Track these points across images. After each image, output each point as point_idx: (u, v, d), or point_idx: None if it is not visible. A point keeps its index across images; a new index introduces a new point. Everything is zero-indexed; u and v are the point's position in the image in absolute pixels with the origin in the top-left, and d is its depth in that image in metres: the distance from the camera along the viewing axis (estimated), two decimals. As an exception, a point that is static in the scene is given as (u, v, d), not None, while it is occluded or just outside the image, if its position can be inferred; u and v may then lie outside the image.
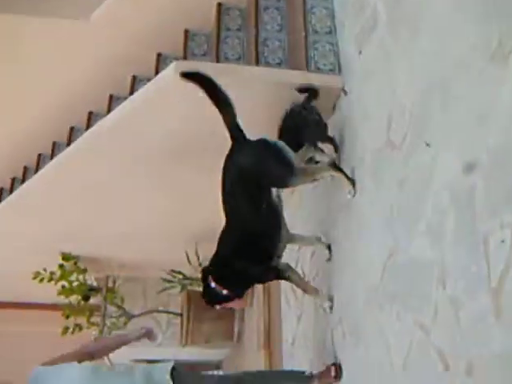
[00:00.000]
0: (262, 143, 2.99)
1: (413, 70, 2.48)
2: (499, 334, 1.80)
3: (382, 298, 2.66)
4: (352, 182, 3.06)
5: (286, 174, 2.98)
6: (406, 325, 2.41)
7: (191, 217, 4.38)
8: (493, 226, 1.85)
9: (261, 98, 3.28)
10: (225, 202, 3.02)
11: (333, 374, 3.04)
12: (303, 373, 3.18)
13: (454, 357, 2.05)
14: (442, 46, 2.24)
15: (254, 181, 2.96)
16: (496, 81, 1.89)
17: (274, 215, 3.08)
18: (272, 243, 3.10)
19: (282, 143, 2.99)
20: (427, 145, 2.30)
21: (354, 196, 3.06)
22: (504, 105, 1.84)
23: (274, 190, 3.04)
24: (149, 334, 3.25)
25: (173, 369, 2.87)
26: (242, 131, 3.01)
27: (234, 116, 2.99)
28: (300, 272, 3.93)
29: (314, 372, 3.19)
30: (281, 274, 3.28)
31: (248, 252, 3.01)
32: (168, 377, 2.82)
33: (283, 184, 3.08)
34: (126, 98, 3.71)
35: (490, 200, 1.90)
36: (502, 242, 1.80)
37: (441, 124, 2.23)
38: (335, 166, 3.12)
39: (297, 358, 4.09)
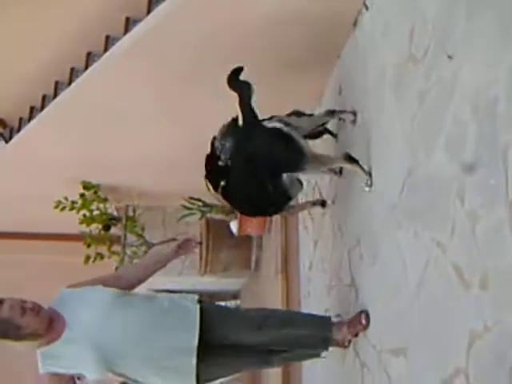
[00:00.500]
0: (276, 132, 3.01)
1: (437, -22, 2.38)
2: (514, 246, 1.79)
3: (401, 215, 2.66)
4: (367, 173, 3.02)
5: (297, 161, 3.03)
6: (423, 242, 2.42)
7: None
8: (512, 139, 1.81)
9: (280, 16, 3.19)
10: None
11: (364, 321, 2.98)
12: (329, 319, 3.15)
13: (470, 271, 2.05)
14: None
15: (264, 167, 3.01)
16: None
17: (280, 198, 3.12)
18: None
19: (295, 133, 3.02)
20: (449, 57, 2.23)
21: (370, 187, 3.02)
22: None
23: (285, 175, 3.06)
24: (186, 245, 3.10)
25: (199, 301, 2.90)
26: (255, 115, 3.06)
27: (249, 97, 3.06)
28: (318, 195, 3.95)
29: (336, 319, 3.18)
30: None
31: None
32: (195, 305, 2.85)
33: (295, 170, 3.10)
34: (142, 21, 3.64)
35: (511, 113, 1.84)
36: (522, 154, 1.77)
37: (464, 35, 2.15)
38: (350, 158, 3.09)
39: (313, 281, 4.15)
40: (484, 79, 2.00)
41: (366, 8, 3.17)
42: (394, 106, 2.79)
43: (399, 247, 2.65)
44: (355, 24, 3.31)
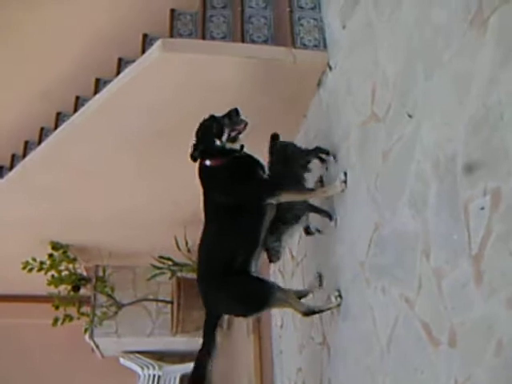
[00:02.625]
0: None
1: (395, 40, 2.47)
2: (480, 300, 1.80)
3: (369, 272, 2.67)
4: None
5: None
6: (392, 299, 2.42)
7: (179, 201, 4.36)
8: (472, 194, 1.85)
9: (246, 76, 3.26)
10: None
11: None
12: None
13: (437, 328, 2.05)
14: (424, 14, 2.23)
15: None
16: (474, 47, 1.88)
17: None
18: None
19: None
20: (409, 116, 2.29)
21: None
22: (481, 71, 1.84)
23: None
24: None
25: None
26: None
27: None
28: (288, 254, 3.93)
29: None
30: None
31: None
32: None
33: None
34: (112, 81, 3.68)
35: (470, 168, 1.88)
36: (482, 209, 1.80)
37: (423, 93, 2.22)
38: (309, 314, 3.12)
39: (285, 340, 4.10)
40: (443, 136, 2.05)
41: (330, 68, 3.25)
42: (359, 164, 2.83)
43: (369, 304, 2.64)
44: (319, 84, 3.38)
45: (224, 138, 2.91)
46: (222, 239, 2.99)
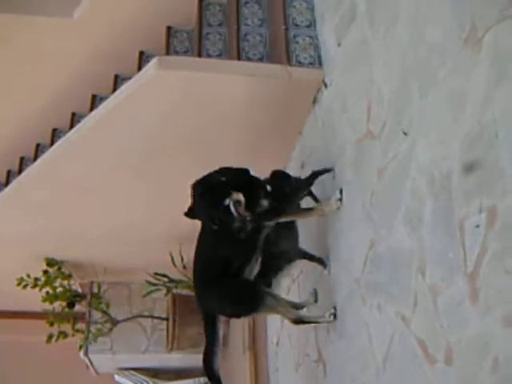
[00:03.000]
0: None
1: (391, 58, 2.48)
2: (475, 318, 1.79)
3: (364, 290, 2.66)
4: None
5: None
6: (388, 316, 2.41)
7: (175, 217, 4.34)
8: (468, 212, 1.85)
9: (242, 94, 3.27)
10: None
11: None
12: None
13: (433, 346, 2.04)
14: (418, 32, 2.25)
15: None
16: (469, 65, 1.89)
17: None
18: None
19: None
20: (404, 133, 2.30)
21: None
22: (476, 89, 1.84)
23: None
24: None
25: None
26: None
27: None
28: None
29: None
30: None
31: None
32: None
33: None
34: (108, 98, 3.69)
35: (465, 186, 1.89)
36: (477, 227, 1.79)
37: (418, 111, 2.23)
38: (299, 322, 3.10)
39: (281, 358, 4.08)
40: (438, 154, 2.06)
41: (325, 86, 3.26)
42: (354, 183, 2.84)
43: (364, 321, 2.63)
44: (315, 101, 3.39)
45: None
46: (220, 245, 2.98)
